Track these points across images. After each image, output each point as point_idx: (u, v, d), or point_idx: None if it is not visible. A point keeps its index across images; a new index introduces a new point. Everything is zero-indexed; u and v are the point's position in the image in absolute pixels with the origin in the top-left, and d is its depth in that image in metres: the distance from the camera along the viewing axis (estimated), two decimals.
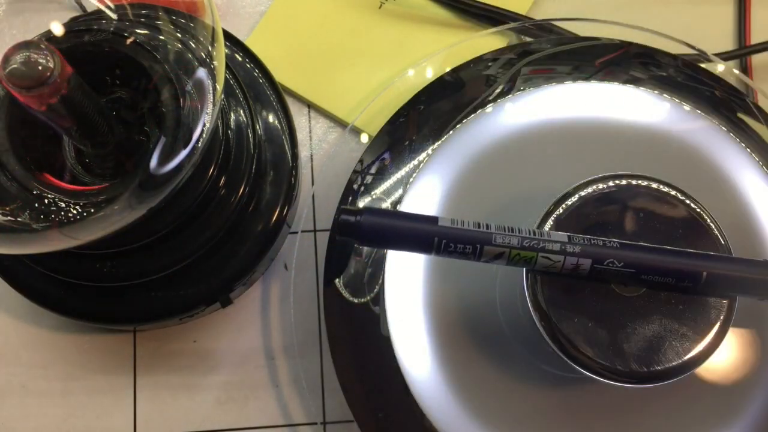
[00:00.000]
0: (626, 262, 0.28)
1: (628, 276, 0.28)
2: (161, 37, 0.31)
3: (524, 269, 0.30)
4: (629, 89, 0.38)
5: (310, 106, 0.43)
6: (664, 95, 0.38)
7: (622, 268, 0.28)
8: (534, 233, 0.28)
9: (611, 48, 0.40)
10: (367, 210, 0.28)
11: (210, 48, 0.30)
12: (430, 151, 0.38)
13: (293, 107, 0.43)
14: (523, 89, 0.39)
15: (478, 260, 0.28)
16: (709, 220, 0.30)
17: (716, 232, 0.30)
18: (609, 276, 0.28)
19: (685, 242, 0.30)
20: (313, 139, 0.43)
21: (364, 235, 0.28)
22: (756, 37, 0.43)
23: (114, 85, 0.31)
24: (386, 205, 0.38)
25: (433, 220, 0.28)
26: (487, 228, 0.28)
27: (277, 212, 0.37)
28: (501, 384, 0.35)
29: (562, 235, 0.29)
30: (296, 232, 0.40)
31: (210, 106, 0.29)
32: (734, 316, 0.30)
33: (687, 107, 0.38)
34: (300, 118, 0.43)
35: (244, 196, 0.35)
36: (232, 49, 0.38)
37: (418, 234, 0.28)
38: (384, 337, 0.35)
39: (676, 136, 0.37)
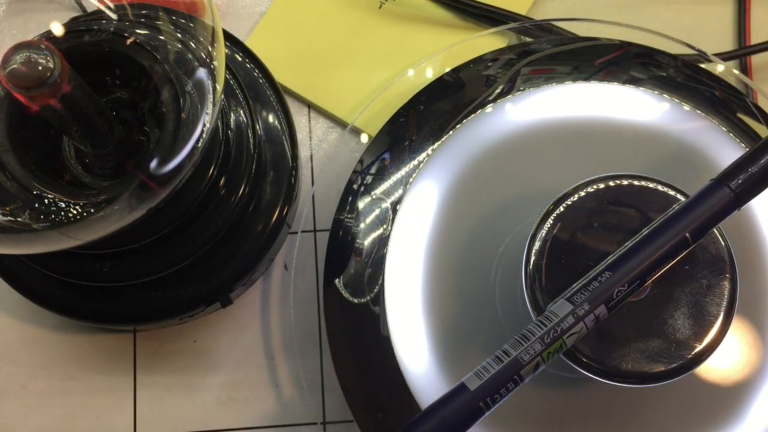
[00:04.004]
0: (629, 281, 0.28)
1: (637, 287, 0.28)
2: (161, 38, 0.31)
3: (523, 271, 0.31)
4: (629, 89, 0.38)
5: (310, 106, 0.43)
6: (664, 95, 0.38)
7: (629, 287, 0.28)
8: (543, 323, 0.28)
9: (611, 48, 0.40)
10: (407, 429, 0.26)
11: (210, 48, 0.30)
12: (430, 151, 0.38)
13: (293, 107, 0.43)
14: (523, 89, 0.39)
15: (524, 382, 0.27)
16: None
17: (716, 232, 0.30)
18: (623, 300, 0.28)
19: None
20: (313, 139, 0.43)
21: None
22: (756, 37, 0.44)
23: (114, 85, 0.31)
24: (386, 205, 0.38)
25: (462, 389, 0.26)
26: (507, 354, 0.27)
27: (277, 212, 0.37)
28: None
29: (565, 304, 0.28)
30: (296, 232, 0.40)
31: (210, 106, 0.29)
32: (733, 317, 0.30)
33: (687, 107, 0.38)
34: (300, 118, 0.43)
35: (244, 196, 0.35)
36: (232, 49, 0.38)
37: (464, 413, 0.26)
38: (384, 337, 0.35)
39: (676, 136, 0.37)
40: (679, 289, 0.30)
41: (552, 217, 0.31)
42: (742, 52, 0.42)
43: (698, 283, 0.30)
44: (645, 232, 0.29)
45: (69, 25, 0.32)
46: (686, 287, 0.30)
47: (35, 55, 0.24)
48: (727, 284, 0.30)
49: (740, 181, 0.29)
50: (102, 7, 0.31)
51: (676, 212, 0.29)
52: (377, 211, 0.38)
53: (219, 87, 0.29)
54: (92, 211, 0.28)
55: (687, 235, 0.28)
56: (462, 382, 0.27)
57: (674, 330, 0.29)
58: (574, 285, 0.29)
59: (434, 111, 0.39)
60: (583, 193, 0.31)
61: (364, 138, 0.42)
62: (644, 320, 0.29)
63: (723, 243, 0.30)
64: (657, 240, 0.28)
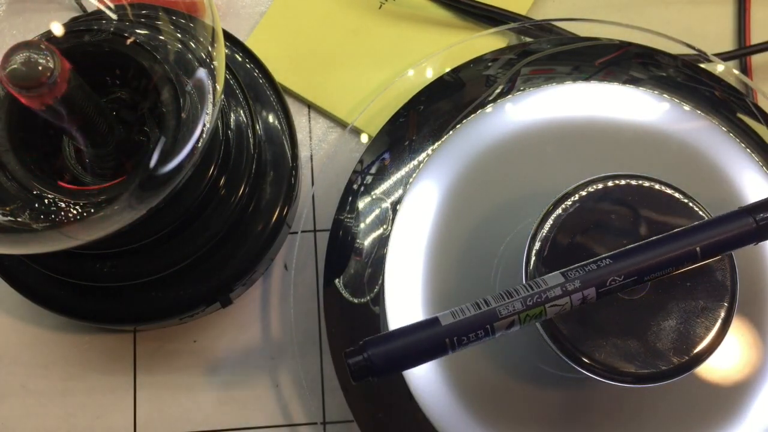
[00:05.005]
0: (626, 274, 0.28)
1: (632, 283, 0.28)
2: (161, 38, 0.31)
3: (523, 271, 0.31)
4: (629, 89, 0.38)
5: (310, 106, 0.43)
6: (664, 95, 0.38)
7: (624, 280, 0.28)
8: (530, 286, 0.28)
9: (611, 48, 0.40)
10: (368, 342, 0.27)
11: (210, 48, 0.30)
12: (430, 151, 0.38)
13: (293, 107, 0.43)
14: (523, 89, 0.39)
15: (494, 336, 0.27)
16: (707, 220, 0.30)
17: (728, 262, 0.30)
18: (615, 291, 0.28)
19: None
20: (313, 140, 0.43)
21: (379, 368, 0.26)
22: (756, 37, 0.44)
23: (114, 85, 0.31)
24: (386, 205, 0.38)
25: (434, 321, 0.27)
26: (487, 304, 0.27)
27: (277, 212, 0.37)
28: (501, 384, 0.35)
29: (557, 276, 0.28)
30: (296, 232, 0.40)
31: (210, 106, 0.29)
32: (734, 317, 0.30)
33: (687, 107, 0.38)
34: (300, 118, 0.43)
35: (244, 196, 0.35)
36: (232, 49, 0.38)
37: (428, 343, 0.27)
38: None
39: (676, 136, 0.37)
40: (674, 302, 0.30)
41: (552, 218, 0.31)
42: (742, 52, 0.42)
43: (695, 302, 0.30)
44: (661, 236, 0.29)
45: (69, 25, 0.32)
46: (682, 302, 0.30)
47: (35, 55, 0.24)
48: (722, 312, 0.29)
49: (766, 216, 0.29)
50: (102, 7, 0.31)
51: (693, 225, 0.29)
52: (377, 211, 0.38)
53: (219, 87, 0.29)
54: (92, 211, 0.28)
55: (697, 249, 0.28)
56: (436, 316, 0.27)
57: (656, 338, 0.29)
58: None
59: (434, 111, 0.39)
60: (583, 193, 0.31)
61: (364, 138, 0.42)
62: (631, 320, 0.29)
63: (730, 273, 0.30)
64: (665, 244, 0.29)
